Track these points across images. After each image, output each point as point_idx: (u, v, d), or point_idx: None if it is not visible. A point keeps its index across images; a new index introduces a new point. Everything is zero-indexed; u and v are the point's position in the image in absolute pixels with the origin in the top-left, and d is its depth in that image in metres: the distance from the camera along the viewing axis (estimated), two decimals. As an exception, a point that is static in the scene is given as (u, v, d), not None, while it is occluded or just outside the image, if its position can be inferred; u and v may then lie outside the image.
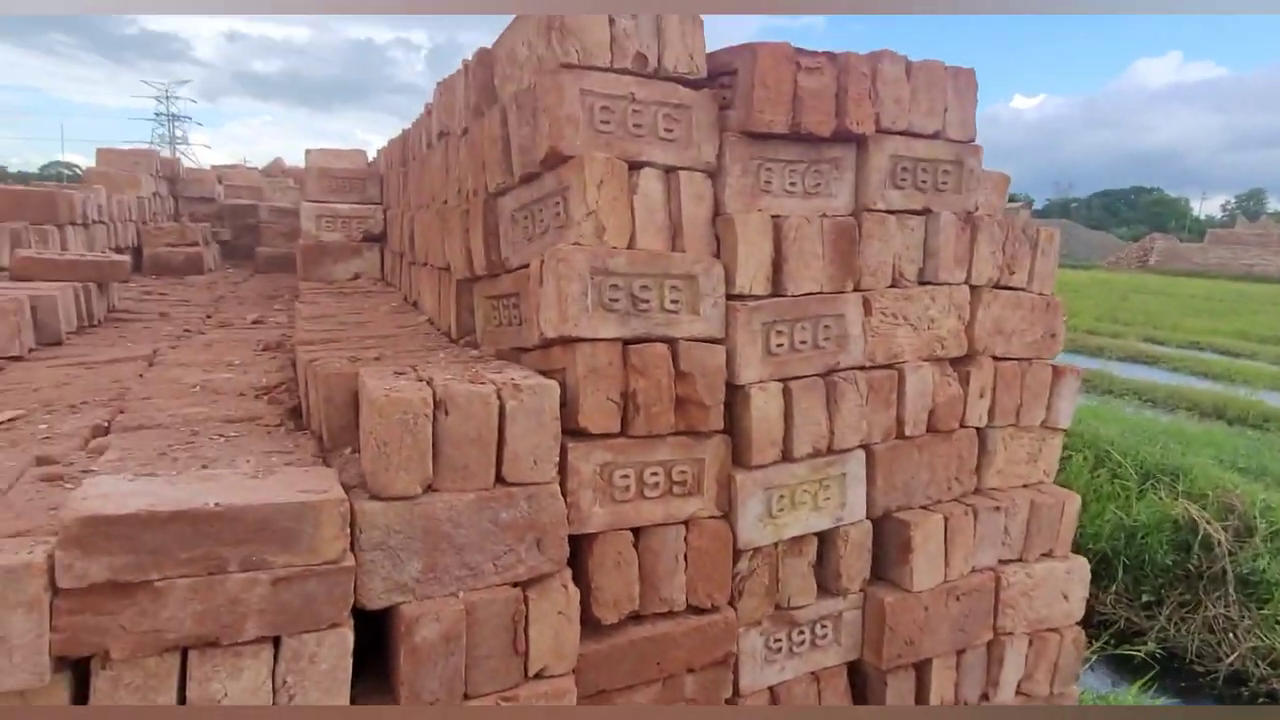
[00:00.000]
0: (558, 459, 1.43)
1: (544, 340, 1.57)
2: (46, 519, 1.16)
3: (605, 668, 1.53)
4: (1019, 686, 2.10)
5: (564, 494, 1.46)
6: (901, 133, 1.83)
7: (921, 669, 1.94)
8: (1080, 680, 4.19)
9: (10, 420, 1.69)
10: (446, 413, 1.32)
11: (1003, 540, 2.05)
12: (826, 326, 1.76)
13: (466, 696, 1.36)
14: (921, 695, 1.94)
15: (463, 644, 1.34)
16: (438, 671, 1.32)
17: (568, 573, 1.46)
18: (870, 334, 1.82)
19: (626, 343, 1.54)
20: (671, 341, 1.58)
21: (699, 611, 1.65)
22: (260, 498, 1.16)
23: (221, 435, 1.63)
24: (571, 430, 1.51)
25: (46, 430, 1.65)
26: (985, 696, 2.07)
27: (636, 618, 1.60)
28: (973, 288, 1.98)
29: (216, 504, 1.12)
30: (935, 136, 1.89)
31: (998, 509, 2.01)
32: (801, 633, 1.80)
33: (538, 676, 1.43)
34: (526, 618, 1.40)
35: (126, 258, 3.30)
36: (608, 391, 1.51)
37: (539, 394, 1.40)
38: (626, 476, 1.54)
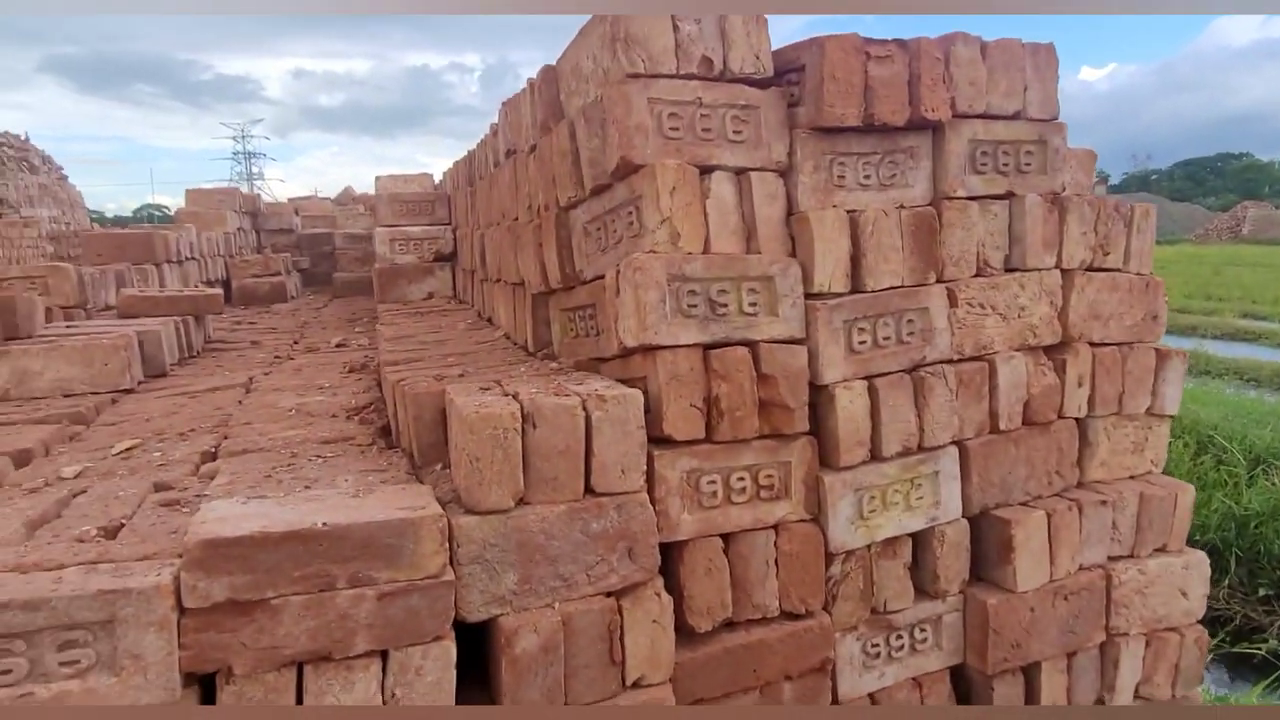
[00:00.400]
0: (645, 468, 1.43)
1: (623, 350, 1.57)
2: (169, 542, 1.23)
3: (702, 676, 1.51)
4: (1138, 690, 1.98)
5: (653, 503, 1.45)
6: (980, 116, 1.77)
7: (1030, 673, 1.85)
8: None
9: (128, 450, 1.80)
10: (535, 426, 1.34)
11: (1112, 536, 1.94)
12: (910, 321, 1.70)
13: (567, 705, 1.37)
14: (1031, 699, 1.85)
15: (561, 654, 1.35)
16: (538, 682, 1.33)
17: (660, 581, 1.46)
18: (957, 326, 1.76)
19: (706, 348, 1.53)
20: (752, 344, 1.56)
21: (793, 617, 1.62)
22: (364, 516, 1.20)
23: (319, 456, 1.70)
24: (656, 438, 1.50)
25: (160, 457, 1.75)
26: (1101, 700, 1.96)
27: (730, 625, 1.58)
28: (1064, 272, 1.89)
29: (324, 524, 1.16)
30: (1016, 117, 1.81)
31: (1104, 503, 1.90)
32: (900, 637, 1.75)
33: (635, 685, 1.43)
34: (622, 627, 1.40)
35: (219, 291, 3.49)
36: (690, 398, 1.51)
37: (623, 404, 1.40)
38: (713, 482, 1.53)
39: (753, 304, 1.56)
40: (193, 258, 4.87)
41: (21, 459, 1.74)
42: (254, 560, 1.12)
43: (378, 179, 4.63)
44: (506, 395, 1.41)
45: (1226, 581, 4.61)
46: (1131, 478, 2.03)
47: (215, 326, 3.82)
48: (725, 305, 1.54)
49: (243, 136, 45.04)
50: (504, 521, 1.32)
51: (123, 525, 1.33)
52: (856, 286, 1.67)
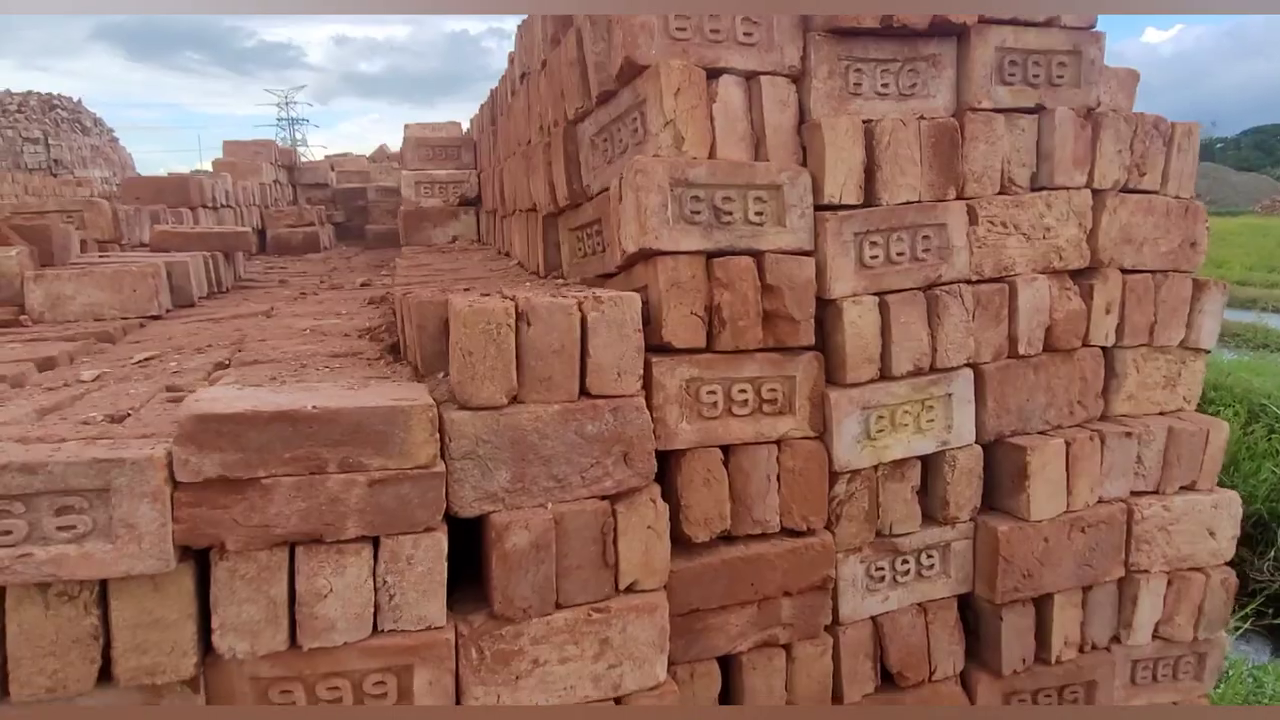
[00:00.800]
0: (641, 372, 1.41)
1: (625, 258, 1.55)
2: (170, 428, 1.25)
3: (698, 586, 1.51)
4: (1156, 629, 1.92)
5: (650, 410, 1.43)
6: (1009, 22, 1.67)
7: (1041, 605, 1.80)
8: (1234, 645, 3.83)
9: (147, 359, 1.84)
10: (529, 324, 1.33)
11: (1136, 470, 1.86)
12: (926, 237, 1.64)
13: (559, 606, 1.37)
14: (1042, 632, 1.80)
15: (552, 553, 1.35)
16: (529, 579, 1.34)
17: (656, 489, 1.45)
18: (976, 245, 1.69)
19: (710, 256, 1.49)
20: (757, 254, 1.52)
21: (794, 534, 1.60)
22: (354, 403, 1.21)
23: (327, 366, 1.72)
24: (656, 347, 1.48)
25: (176, 366, 1.79)
26: (1117, 639, 1.90)
27: (729, 539, 1.56)
28: (1095, 192, 1.80)
29: (314, 407, 1.17)
30: (1048, 24, 1.71)
31: (1129, 435, 1.83)
32: (906, 562, 1.71)
33: (629, 590, 1.42)
34: (615, 530, 1.39)
35: (249, 229, 3.54)
36: (691, 305, 1.48)
37: (620, 305, 1.38)
38: (714, 393, 1.50)
39: (759, 213, 1.52)
40: (228, 205, 4.95)
41: (45, 365, 1.79)
42: (244, 438, 1.14)
43: (407, 126, 4.63)
44: (505, 298, 1.40)
45: (1272, 554, 4.44)
46: (1161, 414, 1.94)
47: (248, 270, 3.89)
48: (730, 213, 1.50)
49: (286, 103, 45.55)
50: (497, 418, 1.31)
51: (129, 415, 1.36)
52: (870, 200, 1.61)
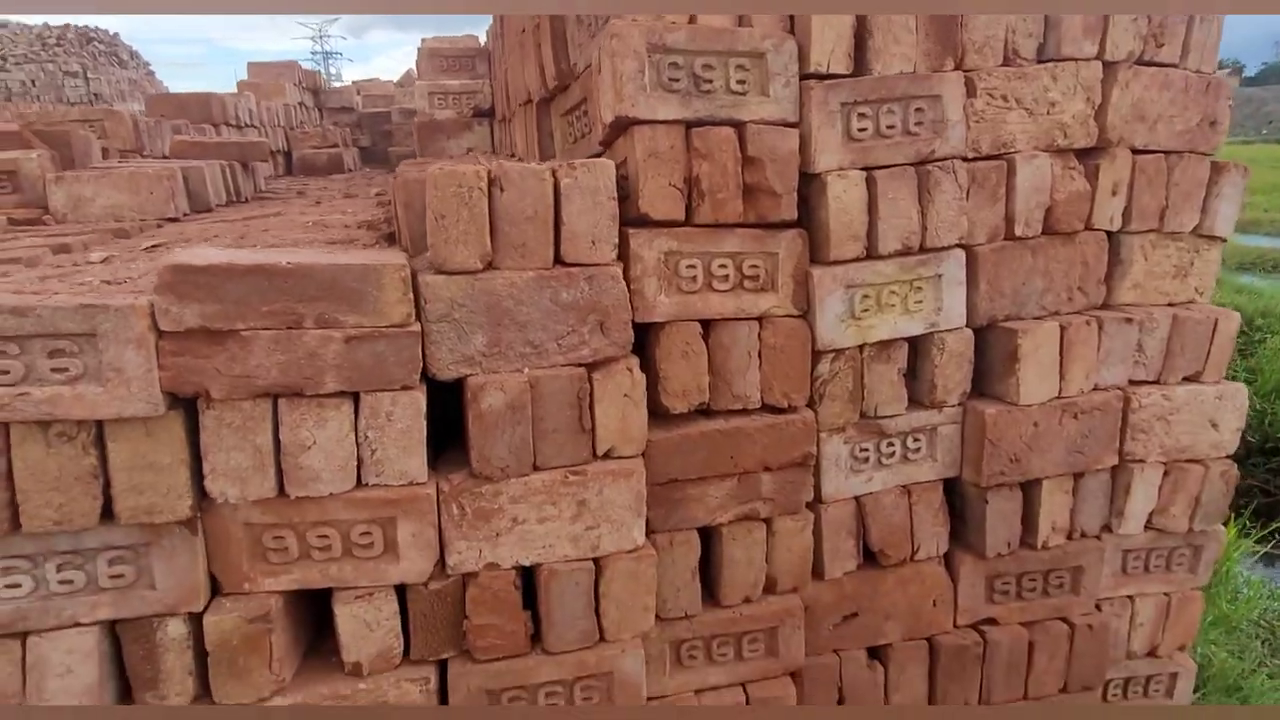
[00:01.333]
0: (616, 241, 1.42)
1: (606, 132, 1.53)
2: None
3: (677, 457, 1.54)
4: (1150, 520, 1.91)
5: (628, 282, 1.45)
6: (1016, -125, 1.57)
7: (1030, 490, 1.80)
8: (1256, 566, 3.77)
9: (154, 246, 1.91)
10: (502, 189, 1.34)
11: (1136, 359, 1.83)
12: (919, 109, 1.59)
13: (536, 468, 1.42)
14: (1030, 517, 1.81)
15: (528, 415, 1.39)
16: (505, 440, 1.38)
17: (634, 359, 1.47)
18: (973, 119, 1.63)
19: (689, 126, 1.47)
20: (739, 125, 1.49)
21: (775, 411, 1.61)
22: (327, 260, 1.24)
23: (329, 249, 1.76)
24: (635, 220, 1.48)
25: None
26: (1108, 528, 1.90)
27: (708, 413, 1.59)
28: (1107, 64, 1.71)
29: (289, 263, 1.21)
30: (1061, -122, 1.61)
31: (1129, 321, 1.78)
32: (891, 444, 1.72)
33: (606, 456, 1.47)
34: (592, 397, 1.43)
35: (265, 140, 3.58)
36: (669, 177, 1.46)
37: (593, 172, 1.37)
38: (693, 267, 1.50)
39: (741, 81, 1.48)
40: (252, 125, 5.00)
41: (60, 250, 1.87)
42: (221, 290, 1.18)
43: (423, 39, 4.57)
44: (478, 164, 1.40)
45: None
46: (1170, 305, 1.88)
47: (271, 187, 3.95)
48: (710, 81, 1.47)
49: (320, 37, 45.15)
50: (471, 283, 1.34)
51: (125, 281, 1.42)
52: (861, 70, 1.56)
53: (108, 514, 1.22)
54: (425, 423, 1.34)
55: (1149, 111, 1.75)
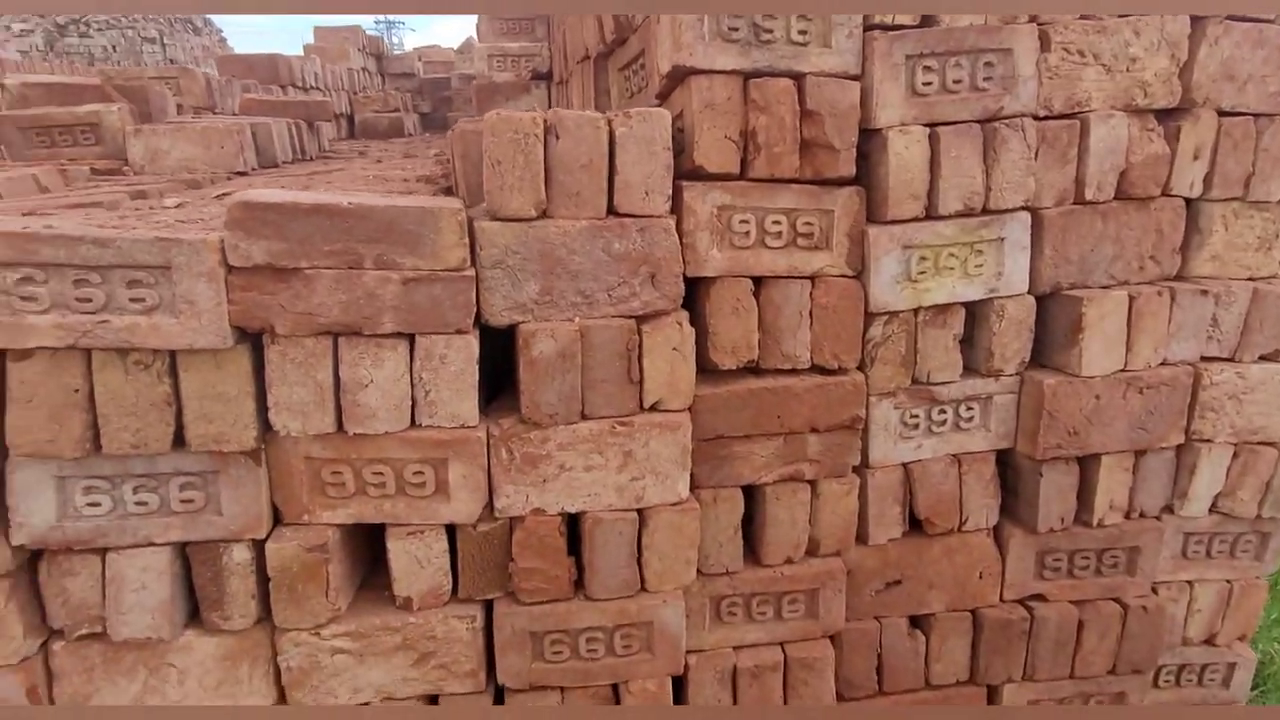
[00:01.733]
0: (669, 193, 1.41)
1: (663, 83, 1.52)
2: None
3: (723, 413, 1.54)
4: (1215, 503, 1.83)
5: (680, 236, 1.44)
6: None
7: (1087, 466, 1.75)
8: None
9: (224, 194, 1.98)
10: (557, 137, 1.34)
11: (1210, 334, 1.74)
12: (988, 64, 1.53)
13: (584, 416, 1.44)
14: (1086, 493, 1.76)
15: (578, 364, 1.41)
16: (555, 387, 1.40)
17: (684, 313, 1.47)
18: (1047, 75, 1.56)
19: (747, 77, 1.45)
20: (798, 77, 1.46)
21: (825, 372, 1.60)
22: (386, 203, 1.27)
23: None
24: (689, 173, 1.47)
25: (248, 200, 1.92)
26: (1169, 509, 1.84)
27: (757, 371, 1.58)
28: (1195, 19, 1.61)
29: (350, 203, 1.24)
30: None
31: (1204, 293, 1.70)
32: (943, 412, 1.69)
33: (654, 409, 1.48)
34: (640, 349, 1.43)
35: (329, 100, 3.65)
36: (725, 129, 1.45)
37: (649, 121, 1.37)
38: (746, 222, 1.49)
39: (803, 31, 1.45)
40: (317, 88, 5.11)
41: (137, 196, 1.95)
42: (287, 229, 1.22)
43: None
44: (534, 111, 1.41)
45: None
46: (1250, 279, 1.79)
47: (334, 148, 4.04)
48: (771, 31, 1.44)
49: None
50: (526, 230, 1.36)
51: (198, 221, 1.48)
52: (928, 20, 1.51)
53: (179, 441, 1.29)
54: (477, 367, 1.37)
55: (1239, 71, 1.65)
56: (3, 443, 1.23)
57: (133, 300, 1.19)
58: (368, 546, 1.53)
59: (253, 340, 1.29)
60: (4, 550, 1.26)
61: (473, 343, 1.35)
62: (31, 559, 1.31)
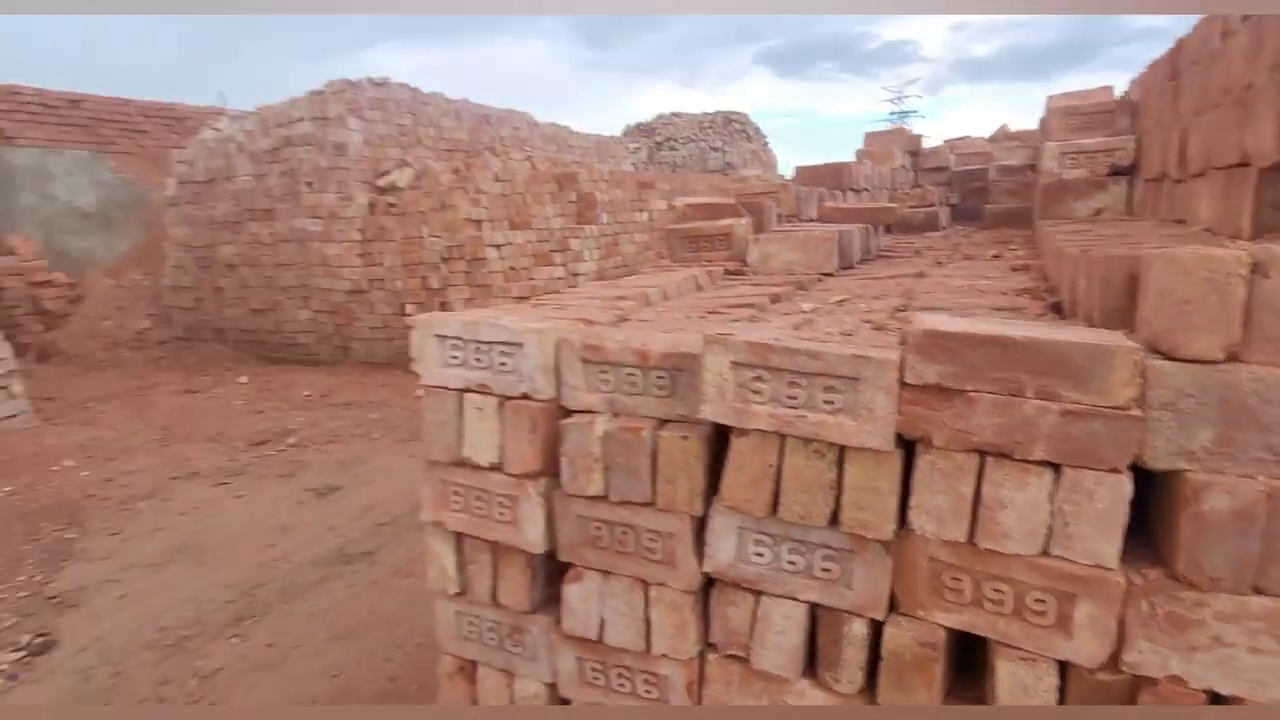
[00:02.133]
0: None
1: None
2: (883, 343, 1.59)
3: None
4: None
5: None
6: None
7: None
8: None
9: (841, 301, 2.31)
10: (1266, 276, 1.23)
11: None
12: None
13: (1257, 590, 1.26)
14: None
15: (1258, 529, 1.24)
16: (1224, 549, 1.26)
17: None
18: None
19: None
20: None
21: None
22: (1059, 337, 1.33)
23: (996, 314, 1.88)
24: None
25: (864, 307, 2.20)
26: None
27: None
28: None
29: (1022, 335, 1.34)
30: None
31: None
32: None
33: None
34: (1353, 525, 1.19)
35: (895, 205, 3.96)
36: None
37: None
38: None
39: None
40: (865, 189, 5.58)
41: (774, 299, 2.42)
42: (959, 355, 1.37)
43: (1049, 98, 4.43)
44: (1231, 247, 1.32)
45: None
46: None
47: (882, 243, 4.36)
48: None
49: (898, 98, 47.60)
50: (1207, 373, 1.26)
51: (850, 334, 1.76)
52: None
53: (833, 520, 1.53)
54: (1127, 509, 1.32)
55: None
56: (711, 494, 1.64)
57: (825, 402, 1.48)
58: (957, 649, 1.58)
59: (906, 446, 1.47)
60: (698, 573, 1.66)
61: (1126, 484, 1.31)
62: (707, 584, 1.71)
